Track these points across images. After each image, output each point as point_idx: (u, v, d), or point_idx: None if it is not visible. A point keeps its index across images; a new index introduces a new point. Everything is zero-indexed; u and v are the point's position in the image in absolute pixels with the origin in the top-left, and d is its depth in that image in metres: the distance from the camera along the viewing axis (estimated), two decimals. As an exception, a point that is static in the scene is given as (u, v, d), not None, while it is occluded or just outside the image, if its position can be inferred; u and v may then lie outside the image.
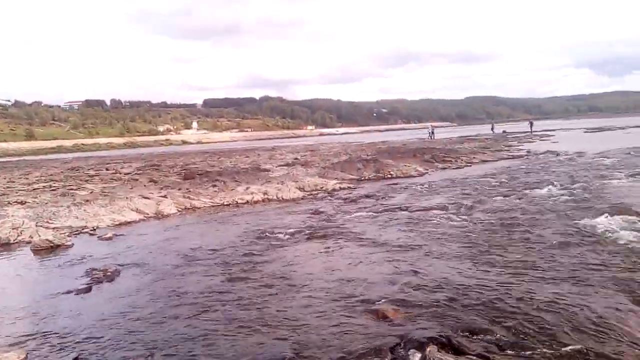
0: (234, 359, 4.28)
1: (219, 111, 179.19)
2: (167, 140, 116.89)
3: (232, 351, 4.44)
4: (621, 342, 4.14)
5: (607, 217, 8.68)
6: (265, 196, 14.76)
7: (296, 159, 29.20)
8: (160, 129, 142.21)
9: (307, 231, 9.55)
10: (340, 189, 16.39)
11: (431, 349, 4.09)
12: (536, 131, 52.30)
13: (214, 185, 16.52)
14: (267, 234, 9.51)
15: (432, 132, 53.07)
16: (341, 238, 8.87)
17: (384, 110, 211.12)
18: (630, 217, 8.55)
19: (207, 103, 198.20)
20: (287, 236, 9.23)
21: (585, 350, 3.96)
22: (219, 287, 6.43)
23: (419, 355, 4.05)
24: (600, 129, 50.77)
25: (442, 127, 74.76)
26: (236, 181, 17.18)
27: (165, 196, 14.75)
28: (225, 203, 14.32)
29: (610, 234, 7.59)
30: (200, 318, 5.35)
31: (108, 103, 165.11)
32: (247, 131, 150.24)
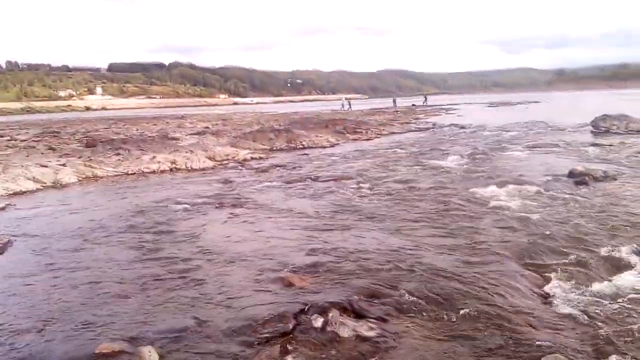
0: (132, 330, 4.15)
1: (125, 76, 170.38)
2: (68, 106, 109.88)
3: (132, 323, 4.30)
4: (511, 305, 4.41)
5: (503, 186, 9.20)
6: (173, 165, 14.35)
7: (207, 128, 28.56)
8: (62, 94, 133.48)
9: (216, 200, 9.40)
10: (252, 158, 16.26)
11: (333, 313, 4.17)
12: (434, 105, 54.44)
13: (118, 154, 15.80)
14: (174, 204, 9.25)
15: (349, 104, 53.72)
16: (250, 207, 8.81)
17: (299, 81, 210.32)
18: (522, 187, 9.11)
19: (112, 67, 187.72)
20: (194, 206, 9.03)
21: (476, 314, 4.19)
22: (121, 257, 6.19)
23: (321, 319, 4.11)
24: (502, 104, 53.61)
25: (355, 99, 75.87)
26: (142, 150, 16.52)
27: (64, 165, 13.94)
28: (129, 172, 13.76)
29: (504, 203, 8.05)
30: (99, 290, 5.13)
31: (3, 65, 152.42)
32: (155, 98, 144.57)
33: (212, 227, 7.61)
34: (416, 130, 25.17)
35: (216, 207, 8.90)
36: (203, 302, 4.69)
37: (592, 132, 19.46)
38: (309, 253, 6.05)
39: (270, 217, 8.03)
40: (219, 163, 15.26)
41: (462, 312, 4.23)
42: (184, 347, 3.85)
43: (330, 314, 4.17)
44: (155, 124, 34.19)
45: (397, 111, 43.96)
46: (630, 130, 18.53)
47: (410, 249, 5.97)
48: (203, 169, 14.12)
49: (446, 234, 6.59)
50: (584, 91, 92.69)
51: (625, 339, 3.65)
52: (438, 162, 13.12)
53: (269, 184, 11.14)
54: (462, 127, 24.88)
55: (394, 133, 24.17)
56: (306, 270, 5.43)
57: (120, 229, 7.62)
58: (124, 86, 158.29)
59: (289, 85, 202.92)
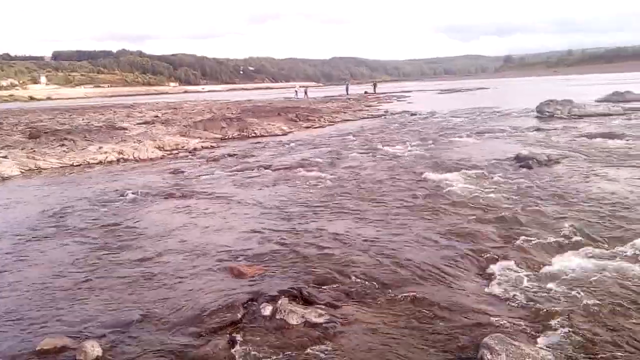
0: (77, 325, 4.03)
1: (71, 65, 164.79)
2: (10, 95, 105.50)
3: (76, 318, 4.18)
4: (457, 287, 4.51)
5: (452, 171, 9.38)
6: (121, 156, 13.98)
7: (156, 116, 27.96)
8: (3, 83, 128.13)
9: (165, 191, 9.23)
10: (203, 148, 16.03)
11: (282, 301, 4.17)
12: (386, 92, 54.99)
13: (63, 145, 15.28)
14: (121, 195, 9.02)
15: (305, 92, 53.56)
16: (201, 197, 8.69)
17: (251, 68, 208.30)
18: (471, 171, 9.30)
19: (57, 56, 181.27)
20: (142, 197, 8.83)
21: (423, 297, 4.26)
22: (66, 252, 6.01)
23: (270, 308, 4.10)
24: (452, 91, 54.57)
25: (309, 86, 75.86)
26: (88, 140, 16.03)
27: (5, 157, 13.38)
28: (75, 164, 13.33)
29: (453, 187, 8.20)
30: (45, 284, 4.97)
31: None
32: (103, 87, 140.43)
33: (160, 218, 7.46)
34: (369, 118, 25.34)
35: (165, 198, 8.73)
36: (150, 294, 4.60)
37: (537, 117, 20.03)
38: (260, 242, 6.02)
39: (221, 207, 7.94)
40: (168, 153, 14.98)
41: (409, 295, 4.30)
42: (129, 340, 3.76)
43: (279, 302, 4.16)
44: (102, 114, 33.24)
45: (350, 99, 44.14)
46: (573, 115, 19.17)
47: (361, 235, 6.02)
48: (152, 159, 13.83)
49: (397, 219, 6.67)
50: (531, 77, 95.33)
51: (562, 316, 3.78)
52: (390, 148, 13.25)
53: (220, 173, 11.01)
54: (414, 114, 25.20)
55: (346, 121, 24.27)
56: (257, 260, 5.40)
57: (65, 223, 7.38)
58: (70, 75, 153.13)
59: (241, 72, 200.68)
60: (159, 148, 15.26)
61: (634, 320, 3.69)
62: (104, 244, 6.23)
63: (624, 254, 4.98)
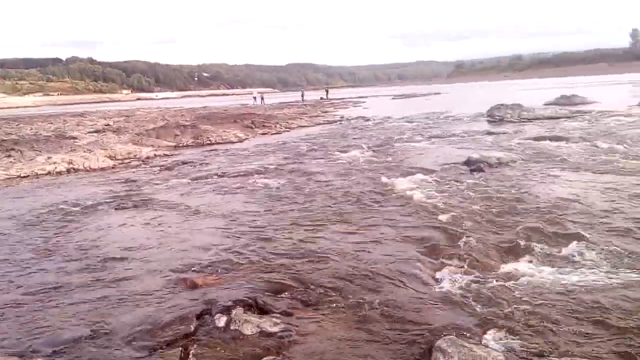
0: (22, 343, 3.88)
1: (19, 73, 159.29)
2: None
3: (22, 335, 4.02)
4: (410, 291, 4.56)
5: (406, 176, 9.51)
6: (71, 166, 13.57)
7: (108, 125, 27.32)
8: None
9: (117, 201, 9.00)
10: (156, 156, 15.75)
11: (237, 311, 4.12)
12: (343, 98, 55.47)
13: (9, 156, 14.72)
14: (71, 206, 8.74)
15: (262, 98, 53.33)
16: (154, 207, 8.51)
17: (206, 75, 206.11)
18: (424, 176, 9.45)
19: (3, 63, 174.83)
20: (93, 208, 8.58)
21: (377, 302, 4.28)
22: (13, 266, 5.77)
23: (224, 318, 4.05)
24: (406, 96, 55.40)
25: (265, 93, 75.69)
26: (36, 150, 15.50)
27: (-54, 169, 12.80)
28: (22, 175, 12.84)
29: (407, 191, 8.30)
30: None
31: None
32: (53, 95, 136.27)
33: (112, 229, 7.27)
34: (325, 124, 25.45)
35: (116, 209, 8.52)
36: (101, 308, 4.47)
37: (488, 121, 20.54)
38: (215, 252, 5.93)
39: (175, 217, 7.80)
40: (120, 162, 14.65)
41: (364, 301, 4.31)
42: (76, 357, 3.64)
43: (233, 312, 4.12)
44: (51, 123, 32.22)
45: (306, 105, 44.23)
46: (523, 119, 19.73)
47: (318, 242, 6.02)
48: (103, 169, 13.48)
49: (353, 224, 6.69)
50: (482, 82, 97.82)
51: (511, 317, 3.88)
52: (346, 154, 13.33)
53: (174, 182, 10.82)
54: (369, 119, 25.47)
55: (303, 127, 24.30)
56: (212, 270, 5.33)
57: (11, 236, 7.10)
58: (17, 83, 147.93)
59: (195, 79, 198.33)
60: (110, 157, 14.90)
61: (577, 322, 3.81)
62: (52, 258, 6.01)
63: (569, 256, 5.14)
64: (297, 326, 3.95)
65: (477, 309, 4.07)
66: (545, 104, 24.71)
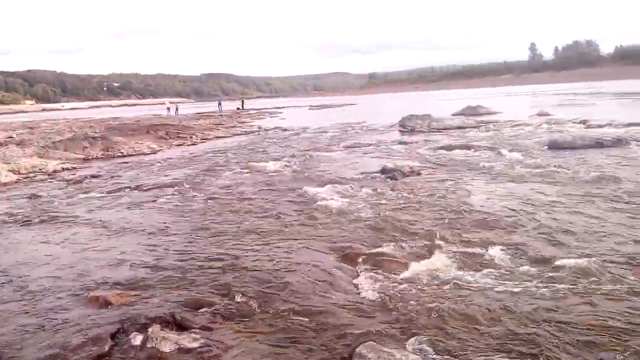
0: None
1: None
2: None
3: None
4: (330, 298, 4.62)
5: (324, 185, 9.62)
6: (-34, 182, 12.63)
7: (10, 137, 25.59)
8: None
9: (21, 218, 8.49)
10: (64, 169, 14.98)
11: (154, 328, 4.00)
12: (261, 108, 55.54)
13: None
14: (-32, 225, 8.15)
15: (176, 109, 52.06)
16: (62, 223, 8.10)
17: (116, 84, 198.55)
18: (341, 185, 9.61)
19: None
20: (-6, 226, 8.05)
21: (299, 311, 4.32)
22: None
23: (140, 337, 3.92)
24: (323, 107, 56.13)
25: (180, 103, 73.89)
26: None
27: None
28: None
29: (325, 201, 8.41)
30: None
31: None
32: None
33: (16, 247, 6.85)
34: (242, 134, 25.31)
35: (21, 226, 8.03)
36: (6, 333, 4.18)
37: (400, 131, 21.24)
38: (129, 268, 5.73)
39: (85, 232, 7.46)
40: (24, 176, 13.79)
41: (284, 311, 4.33)
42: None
43: (150, 330, 3.99)
44: (-56, 135, 29.83)
45: (223, 115, 43.75)
46: (432, 129, 20.58)
47: (237, 254, 5.96)
48: (5, 184, 12.63)
49: (272, 235, 6.69)
50: (394, 93, 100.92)
51: (428, 320, 4.04)
52: (263, 164, 13.30)
53: (83, 196, 10.34)
54: (286, 130, 25.60)
55: (219, 137, 24.02)
56: (126, 286, 5.14)
57: None
58: None
59: (105, 89, 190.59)
60: (13, 171, 13.99)
61: (492, 321, 4.02)
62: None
63: (480, 258, 5.42)
64: (217, 341, 3.90)
65: (396, 313, 4.19)
66: (453, 115, 25.93)
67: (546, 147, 13.22)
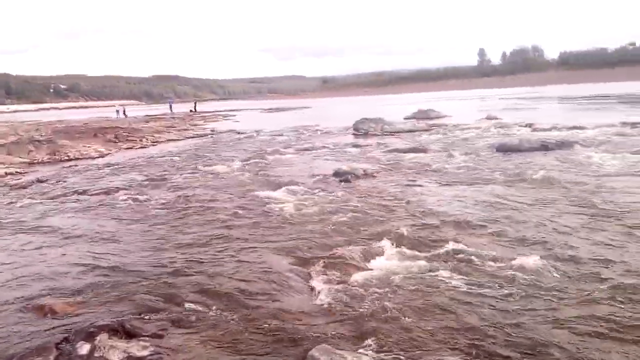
0: None
1: None
2: None
3: None
4: (283, 302, 4.61)
5: (278, 188, 9.60)
6: None
7: (-52, 141, 24.50)
8: None
9: (-40, 226, 8.11)
10: (7, 174, 14.37)
11: (101, 337, 3.89)
12: (215, 111, 55.03)
13: None
14: None
15: (124, 111, 50.85)
16: (6, 230, 7.80)
17: (63, 86, 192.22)
18: (295, 188, 9.61)
19: None
20: None
21: (251, 316, 4.30)
22: None
23: (87, 346, 3.80)
24: (277, 110, 56.02)
25: (130, 105, 71.88)
26: None
27: None
28: None
29: (279, 204, 8.40)
30: None
31: None
32: None
33: (-46, 256, 6.53)
34: (194, 137, 24.94)
35: (-40, 233, 7.67)
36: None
37: (353, 134, 21.39)
38: (76, 275, 5.56)
39: (30, 239, 7.19)
40: (-36, 182, 13.18)
41: (237, 316, 4.29)
42: None
43: (97, 338, 3.88)
44: None
45: (175, 117, 43.05)
46: (385, 132, 20.83)
47: (188, 260, 5.87)
48: (-58, 190, 12.04)
49: (224, 240, 6.62)
50: (348, 97, 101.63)
51: (381, 320, 4.08)
52: (216, 167, 13.16)
53: (28, 201, 9.96)
54: (240, 133, 25.37)
55: (171, 140, 23.61)
56: (73, 295, 4.98)
57: None
58: None
59: (51, 91, 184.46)
60: (-49, 177, 13.36)
61: (444, 321, 4.09)
62: None
63: (433, 258, 5.51)
64: (168, 348, 3.82)
65: (350, 315, 4.21)
66: (405, 118, 26.32)
67: (495, 149, 13.58)
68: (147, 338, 3.96)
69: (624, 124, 17.42)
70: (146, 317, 4.34)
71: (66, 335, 4.01)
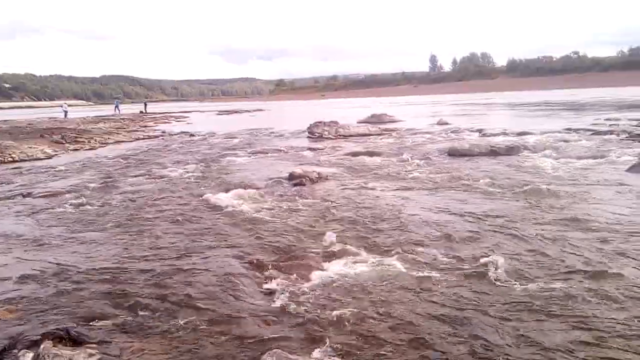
0: None
1: None
2: None
3: None
4: (237, 306, 4.55)
5: (231, 191, 9.49)
6: None
7: None
8: None
9: None
10: (-56, 176, 13.71)
11: (46, 345, 3.74)
12: (165, 112, 54.13)
13: None
14: None
15: (65, 113, 49.33)
16: (-59, 235, 7.41)
17: (7, 86, 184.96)
18: (249, 191, 9.52)
19: None
20: None
21: (204, 320, 4.22)
22: None
23: (31, 354, 3.65)
24: (231, 112, 55.61)
25: (77, 105, 69.65)
26: None
27: None
28: None
29: (233, 207, 8.30)
30: None
31: None
32: None
33: None
34: (145, 139, 24.45)
35: None
36: None
37: (308, 137, 21.40)
38: (18, 280, 5.33)
39: (-32, 244, 6.87)
40: None
41: (190, 320, 4.21)
42: None
43: (41, 346, 3.73)
44: None
45: (124, 118, 42.08)
46: (339, 135, 20.93)
47: (138, 264, 5.73)
48: None
49: (176, 243, 6.50)
50: (302, 100, 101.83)
51: (331, 322, 4.09)
52: (167, 170, 12.93)
53: (-33, 204, 9.53)
54: (192, 135, 25.03)
55: (120, 142, 23.07)
56: (14, 301, 4.77)
57: None
58: None
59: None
60: None
61: (400, 324, 4.12)
62: None
63: (387, 260, 5.55)
64: (115, 355, 3.71)
65: (304, 319, 4.18)
66: (359, 122, 26.56)
67: (446, 154, 13.85)
68: (94, 345, 3.84)
69: (568, 130, 18.13)
70: (93, 324, 4.21)
71: (7, 342, 3.85)
